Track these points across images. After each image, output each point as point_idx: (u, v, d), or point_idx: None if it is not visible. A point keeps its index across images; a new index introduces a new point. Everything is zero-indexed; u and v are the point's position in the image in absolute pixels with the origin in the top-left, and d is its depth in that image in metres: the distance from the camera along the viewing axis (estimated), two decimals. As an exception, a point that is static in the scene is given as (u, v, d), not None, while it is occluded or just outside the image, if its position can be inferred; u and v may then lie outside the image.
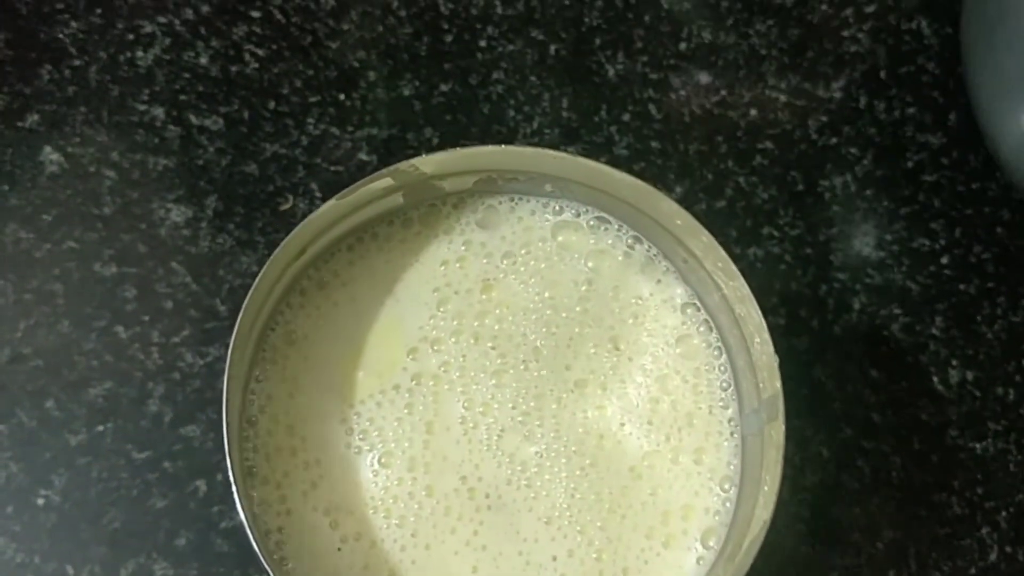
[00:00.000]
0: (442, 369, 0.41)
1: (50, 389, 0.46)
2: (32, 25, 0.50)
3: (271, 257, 0.38)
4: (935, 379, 0.49)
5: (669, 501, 0.41)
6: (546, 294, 0.43)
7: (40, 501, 0.45)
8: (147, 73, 0.50)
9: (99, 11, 0.51)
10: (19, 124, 0.49)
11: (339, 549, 0.40)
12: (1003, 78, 0.45)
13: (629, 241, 0.43)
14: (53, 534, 0.45)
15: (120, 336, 0.47)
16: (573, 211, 0.43)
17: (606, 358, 0.42)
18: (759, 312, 0.38)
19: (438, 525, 0.40)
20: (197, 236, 0.48)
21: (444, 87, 0.51)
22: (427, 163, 0.40)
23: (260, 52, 0.51)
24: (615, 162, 0.50)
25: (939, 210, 0.51)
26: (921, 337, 0.49)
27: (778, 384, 0.38)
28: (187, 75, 0.50)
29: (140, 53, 0.50)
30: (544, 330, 0.42)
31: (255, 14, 0.51)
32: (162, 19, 0.51)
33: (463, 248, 0.43)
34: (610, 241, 0.43)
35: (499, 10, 0.52)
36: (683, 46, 0.52)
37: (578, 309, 0.42)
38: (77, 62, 0.50)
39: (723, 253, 0.39)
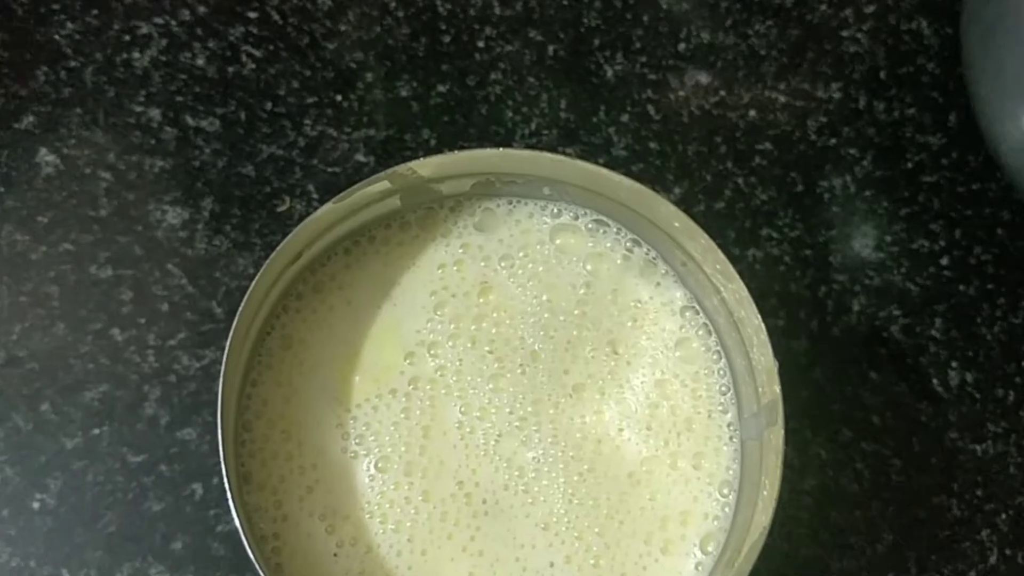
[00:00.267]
0: (439, 373, 0.41)
1: (46, 392, 0.46)
2: (28, 26, 0.50)
3: (267, 261, 0.38)
4: (935, 381, 0.49)
5: (668, 506, 0.41)
6: (544, 297, 0.42)
7: (36, 505, 0.45)
8: (143, 74, 0.50)
9: (95, 12, 0.50)
10: (15, 125, 0.49)
11: (335, 554, 0.40)
12: (1003, 79, 0.45)
13: (628, 244, 0.43)
14: (49, 538, 0.45)
15: (116, 339, 0.47)
16: (571, 214, 0.43)
17: (604, 362, 0.42)
18: (758, 316, 0.38)
19: (435, 530, 0.40)
20: (193, 238, 0.48)
21: (442, 88, 0.51)
22: (424, 166, 0.40)
23: (257, 53, 0.50)
24: (614, 163, 0.50)
25: (939, 211, 0.50)
26: (921, 339, 0.49)
27: (777, 389, 0.38)
28: (183, 76, 0.50)
29: (136, 54, 0.50)
30: (542, 334, 0.42)
31: (252, 15, 0.51)
32: (158, 20, 0.51)
33: (461, 251, 0.43)
34: (608, 244, 0.43)
35: (497, 11, 0.52)
36: (682, 47, 0.52)
37: (576, 312, 0.42)
38: (73, 63, 0.50)
39: (722, 255, 0.39)
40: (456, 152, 0.40)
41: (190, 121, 0.49)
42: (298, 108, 0.50)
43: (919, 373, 0.49)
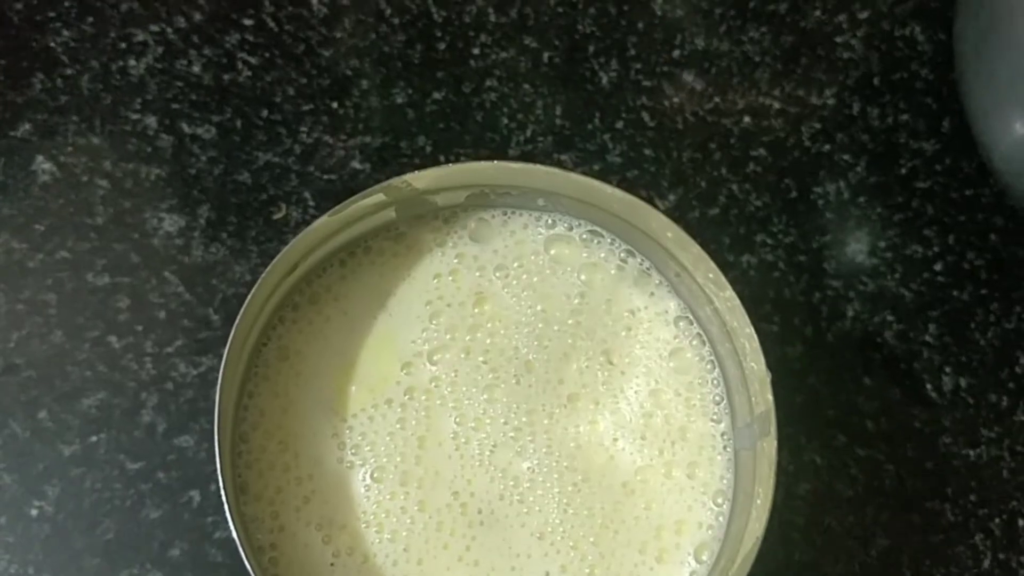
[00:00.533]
0: (434, 383, 0.41)
1: (43, 400, 0.46)
2: (24, 34, 0.50)
3: (263, 274, 0.38)
4: (928, 386, 0.49)
5: (662, 516, 0.41)
6: (539, 307, 0.43)
7: (33, 512, 0.45)
8: (139, 82, 0.50)
9: (91, 20, 0.51)
10: (11, 133, 0.49)
11: (332, 564, 0.40)
12: (996, 85, 0.45)
13: (622, 254, 0.43)
14: (47, 545, 0.45)
15: (113, 346, 0.47)
16: (566, 225, 0.43)
17: (599, 372, 0.42)
18: (750, 325, 0.39)
19: (430, 540, 0.40)
20: (190, 245, 0.48)
21: (437, 95, 0.51)
22: (420, 179, 0.40)
23: (253, 60, 0.50)
24: (608, 169, 0.50)
25: (932, 217, 0.51)
26: (914, 344, 0.49)
27: (770, 399, 0.38)
28: (180, 84, 0.50)
29: (132, 62, 0.50)
30: (536, 344, 0.42)
31: (248, 22, 0.51)
32: (154, 27, 0.51)
33: (456, 261, 0.43)
34: (603, 254, 0.43)
35: (492, 18, 0.52)
36: (676, 53, 0.52)
37: (571, 322, 0.42)
38: (69, 71, 0.50)
39: (713, 264, 0.39)
40: (451, 165, 0.40)
41: (186, 128, 0.50)
42: (294, 115, 0.50)
43: (913, 378, 0.49)
